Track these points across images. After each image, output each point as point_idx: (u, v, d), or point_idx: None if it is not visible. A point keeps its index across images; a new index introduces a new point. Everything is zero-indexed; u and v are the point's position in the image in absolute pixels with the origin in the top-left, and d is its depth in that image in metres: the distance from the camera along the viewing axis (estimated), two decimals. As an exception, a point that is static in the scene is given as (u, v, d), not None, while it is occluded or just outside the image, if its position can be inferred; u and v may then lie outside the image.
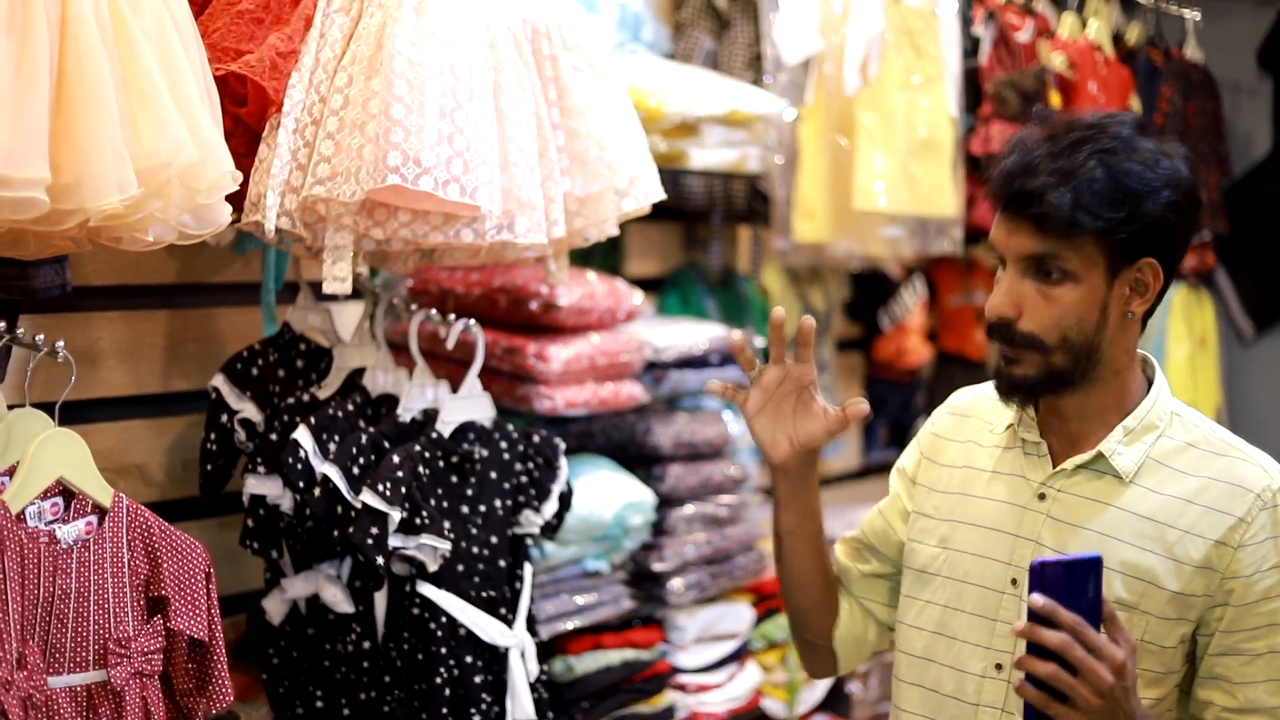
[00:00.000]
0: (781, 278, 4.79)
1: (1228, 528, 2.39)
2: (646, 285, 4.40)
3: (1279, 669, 2.40)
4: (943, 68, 4.49)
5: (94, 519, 2.47)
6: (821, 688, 4.21)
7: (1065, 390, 2.42)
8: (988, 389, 2.65)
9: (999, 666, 2.45)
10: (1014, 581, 2.45)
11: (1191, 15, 6.33)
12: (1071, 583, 2.15)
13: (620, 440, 3.73)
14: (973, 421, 2.64)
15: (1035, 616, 2.13)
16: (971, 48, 4.92)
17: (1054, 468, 2.47)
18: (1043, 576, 2.13)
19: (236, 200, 2.62)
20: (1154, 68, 6.03)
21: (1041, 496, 2.47)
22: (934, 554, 2.57)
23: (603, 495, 3.43)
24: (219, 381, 2.98)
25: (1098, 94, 5.47)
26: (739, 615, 3.90)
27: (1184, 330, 6.17)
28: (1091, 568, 2.16)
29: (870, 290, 5.24)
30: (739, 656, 3.91)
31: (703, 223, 4.50)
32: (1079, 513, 2.44)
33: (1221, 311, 6.52)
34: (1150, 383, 2.50)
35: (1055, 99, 5.01)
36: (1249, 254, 6.48)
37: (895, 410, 5.48)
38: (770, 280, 4.76)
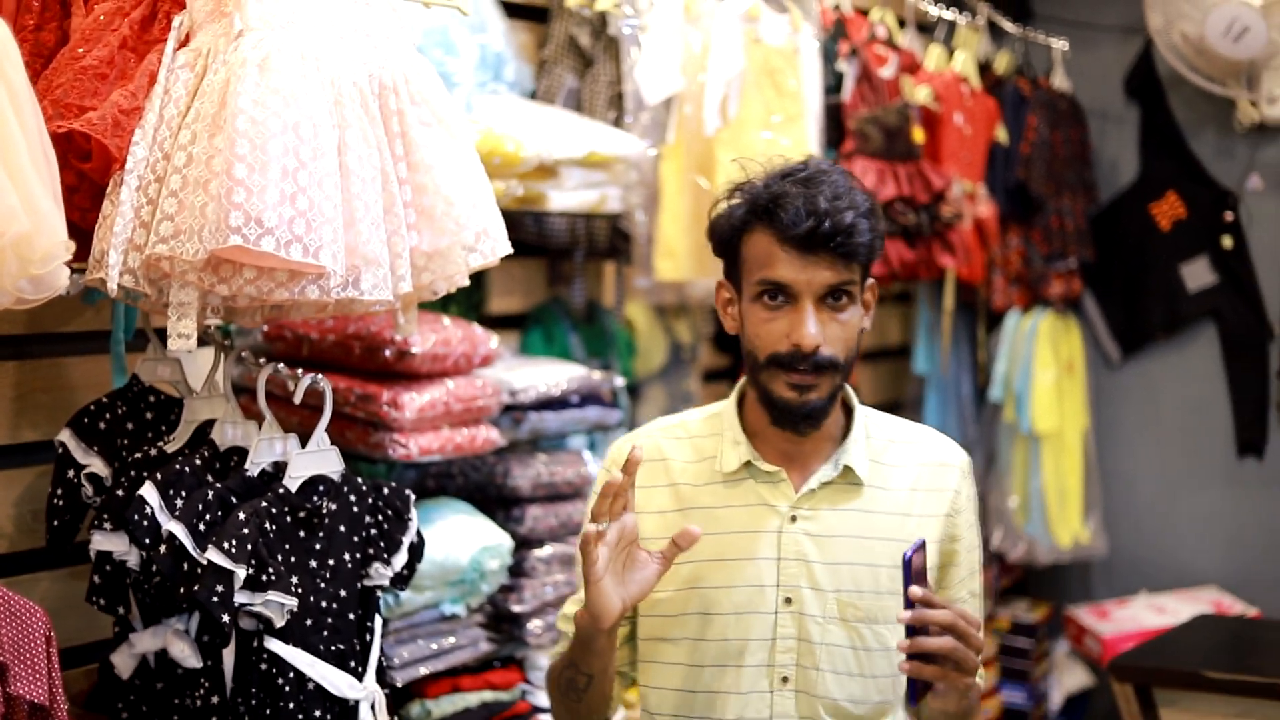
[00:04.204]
0: (646, 311, 4.81)
1: (948, 501, 2.73)
2: (510, 322, 4.41)
3: (975, 609, 2.76)
4: (803, 106, 4.54)
5: (-72, 586, 2.46)
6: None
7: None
8: (656, 433, 2.81)
9: (785, 679, 2.65)
10: (787, 600, 2.63)
11: (1059, 44, 6.44)
12: (920, 566, 2.44)
13: (479, 482, 3.75)
14: (671, 464, 2.76)
15: (910, 603, 2.38)
16: (835, 84, 4.97)
17: (796, 490, 2.64)
18: (910, 566, 2.39)
19: (83, 253, 2.62)
20: (1021, 97, 6.12)
21: (794, 518, 2.64)
22: (684, 596, 2.68)
23: (458, 539, 3.44)
24: (65, 436, 2.96)
25: (963, 125, 5.55)
26: (600, 653, 3.91)
27: (1051, 355, 6.27)
28: (922, 549, 2.45)
29: (738, 321, 5.26)
30: (600, 694, 3.92)
31: (566, 259, 4.52)
32: (834, 524, 2.67)
33: (1089, 337, 6.63)
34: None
35: (918, 134, 5.08)
36: (1116, 280, 6.60)
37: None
38: (635, 314, 4.77)
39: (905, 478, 2.72)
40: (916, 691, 2.44)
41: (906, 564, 2.38)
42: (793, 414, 2.60)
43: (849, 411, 2.74)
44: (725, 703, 2.67)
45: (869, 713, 2.67)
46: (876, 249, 2.58)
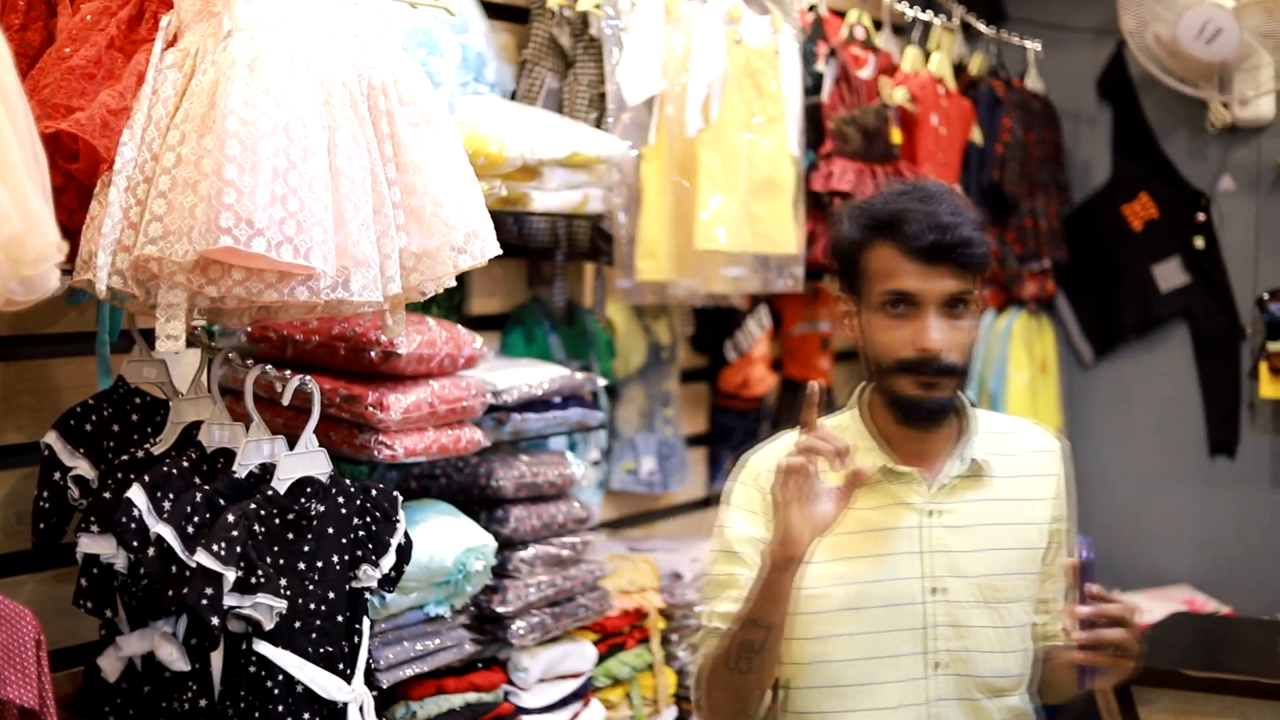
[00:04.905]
0: (626, 312, 4.81)
1: (1053, 484, 2.95)
2: (490, 323, 4.40)
3: (1059, 581, 2.94)
4: (784, 107, 4.54)
5: (-81, 590, 2.44)
6: (666, 721, 4.25)
7: None
8: (780, 444, 2.89)
9: (938, 665, 2.82)
10: (934, 590, 2.82)
11: (1033, 46, 6.47)
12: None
13: (462, 483, 3.75)
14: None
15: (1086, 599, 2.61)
16: (814, 84, 4.97)
17: (929, 486, 2.81)
18: (1091, 565, 2.62)
19: (71, 253, 2.60)
20: (996, 98, 6.14)
21: (931, 513, 2.84)
22: (836, 593, 2.81)
23: (443, 541, 3.43)
24: (52, 439, 2.95)
25: (939, 126, 5.56)
26: (582, 654, 3.91)
27: (1024, 356, 6.29)
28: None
29: (716, 320, 5.26)
30: (583, 695, 3.92)
31: (547, 260, 4.51)
32: (967, 515, 2.86)
33: (1062, 337, 6.67)
34: None
35: (896, 135, 5.09)
36: (1088, 280, 6.63)
37: (741, 439, 5.48)
38: (615, 315, 4.77)
39: (1016, 466, 2.91)
40: (1087, 676, 2.69)
41: (1089, 563, 2.61)
42: (919, 411, 2.78)
43: (959, 410, 2.89)
44: (885, 692, 2.81)
45: (1010, 685, 2.88)
46: (989, 261, 2.79)
